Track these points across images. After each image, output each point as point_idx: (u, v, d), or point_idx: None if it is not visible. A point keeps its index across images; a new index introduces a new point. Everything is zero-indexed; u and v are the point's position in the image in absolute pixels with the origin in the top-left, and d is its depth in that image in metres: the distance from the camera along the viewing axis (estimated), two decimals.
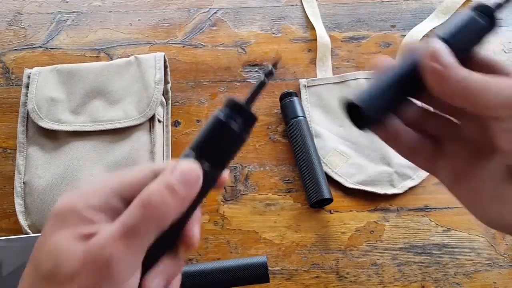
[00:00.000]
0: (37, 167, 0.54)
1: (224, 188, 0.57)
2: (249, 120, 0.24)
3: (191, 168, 0.23)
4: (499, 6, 0.27)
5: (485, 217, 0.27)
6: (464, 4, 0.69)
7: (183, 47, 0.68)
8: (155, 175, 0.24)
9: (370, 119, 0.26)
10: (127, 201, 0.23)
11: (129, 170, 0.24)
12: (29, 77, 0.60)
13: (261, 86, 0.25)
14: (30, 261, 0.22)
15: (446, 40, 0.26)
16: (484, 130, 0.25)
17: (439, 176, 0.29)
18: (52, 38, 0.69)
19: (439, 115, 0.29)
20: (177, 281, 0.26)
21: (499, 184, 0.26)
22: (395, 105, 0.27)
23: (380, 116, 0.27)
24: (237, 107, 0.24)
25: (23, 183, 0.54)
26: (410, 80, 0.26)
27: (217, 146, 0.24)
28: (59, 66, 0.60)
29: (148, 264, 0.23)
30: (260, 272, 0.47)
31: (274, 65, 0.25)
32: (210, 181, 0.24)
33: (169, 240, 0.24)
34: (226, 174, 0.26)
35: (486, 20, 0.26)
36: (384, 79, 0.26)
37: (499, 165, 0.26)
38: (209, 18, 0.71)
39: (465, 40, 0.26)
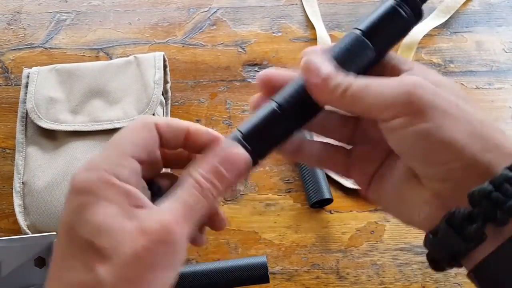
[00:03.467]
0: (36, 167, 0.54)
1: None
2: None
3: (240, 155, 0.24)
4: None
5: (397, 218, 0.27)
6: (465, 3, 0.69)
7: (183, 46, 0.68)
8: (158, 131, 0.24)
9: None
10: (141, 161, 0.23)
11: (130, 131, 0.24)
12: (28, 76, 0.59)
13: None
14: (67, 253, 0.21)
15: (364, 32, 0.25)
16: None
17: (355, 180, 0.29)
18: (51, 37, 0.69)
19: (346, 121, 0.29)
20: None
21: (400, 185, 0.26)
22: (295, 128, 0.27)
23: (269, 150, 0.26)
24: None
25: (22, 183, 0.54)
26: (302, 100, 0.25)
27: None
28: (58, 65, 0.60)
29: None
30: (260, 273, 0.47)
31: None
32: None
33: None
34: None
35: (408, 13, 0.25)
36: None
37: (402, 166, 0.26)
38: (208, 17, 0.70)
39: (387, 33, 0.26)
